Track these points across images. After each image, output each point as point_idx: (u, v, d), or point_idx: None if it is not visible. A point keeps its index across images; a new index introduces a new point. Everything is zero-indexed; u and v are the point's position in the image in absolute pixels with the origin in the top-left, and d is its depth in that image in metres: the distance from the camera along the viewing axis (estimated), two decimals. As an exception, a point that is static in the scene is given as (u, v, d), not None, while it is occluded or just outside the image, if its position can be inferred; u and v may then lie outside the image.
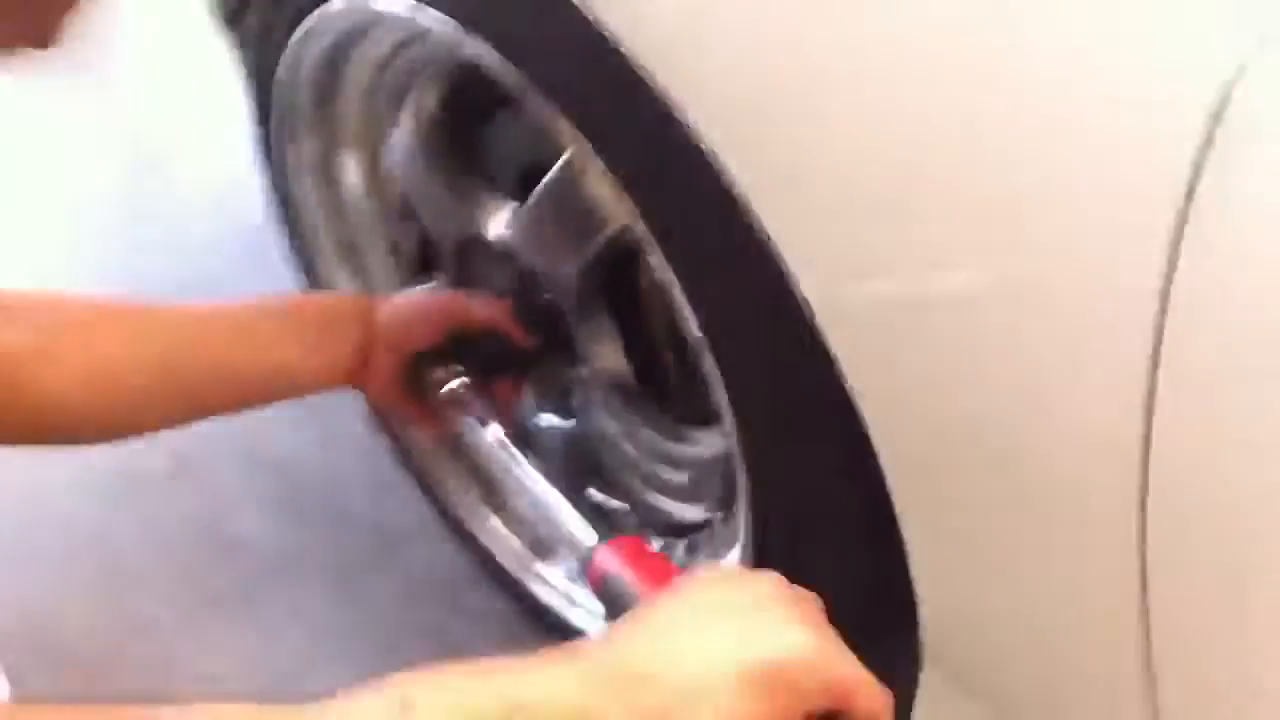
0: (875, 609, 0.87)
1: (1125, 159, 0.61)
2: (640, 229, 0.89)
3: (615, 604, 0.85)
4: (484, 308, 1.10)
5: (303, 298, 1.27)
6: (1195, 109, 0.58)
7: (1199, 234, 0.58)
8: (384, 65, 1.17)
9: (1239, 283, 0.59)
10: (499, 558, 1.30)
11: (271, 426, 1.37)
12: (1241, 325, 0.59)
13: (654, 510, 1.14)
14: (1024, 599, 0.79)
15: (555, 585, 1.28)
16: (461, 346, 1.09)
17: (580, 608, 1.25)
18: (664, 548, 1.21)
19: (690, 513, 1.13)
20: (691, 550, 1.19)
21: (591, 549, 0.87)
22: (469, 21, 0.95)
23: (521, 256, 1.08)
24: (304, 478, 1.51)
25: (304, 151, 1.26)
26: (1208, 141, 0.57)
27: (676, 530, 1.14)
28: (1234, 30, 0.58)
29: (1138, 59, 0.60)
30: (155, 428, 1.02)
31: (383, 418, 1.32)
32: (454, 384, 1.08)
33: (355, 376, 1.07)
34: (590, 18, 0.81)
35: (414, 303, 1.11)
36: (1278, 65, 0.56)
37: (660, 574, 0.85)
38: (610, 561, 0.86)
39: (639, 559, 0.87)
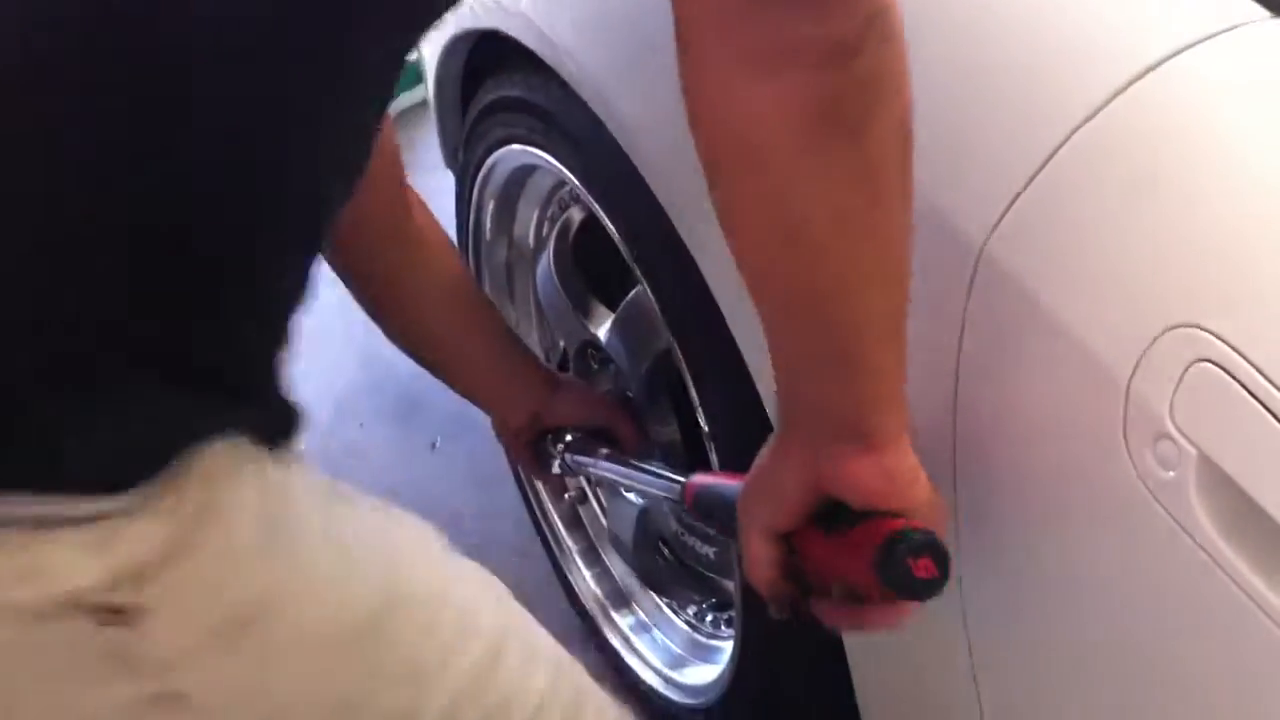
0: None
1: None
2: (676, 351, 1.20)
3: (713, 507, 1.00)
4: (626, 423, 1.37)
5: (523, 345, 1.43)
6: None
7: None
8: (545, 201, 1.52)
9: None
10: (583, 601, 1.61)
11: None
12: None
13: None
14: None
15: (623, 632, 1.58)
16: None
17: (636, 656, 1.54)
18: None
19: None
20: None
21: (685, 481, 1.07)
22: (585, 178, 1.28)
23: (613, 357, 1.41)
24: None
25: (492, 259, 1.62)
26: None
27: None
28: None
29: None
30: (398, 343, 1.27)
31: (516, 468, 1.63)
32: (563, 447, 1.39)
33: (511, 421, 1.35)
34: (653, 195, 1.13)
35: (582, 396, 1.38)
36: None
37: (738, 477, 0.93)
38: (699, 480, 1.05)
39: (718, 474, 1.07)
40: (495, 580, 0.84)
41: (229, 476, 0.66)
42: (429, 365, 1.30)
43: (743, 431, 1.11)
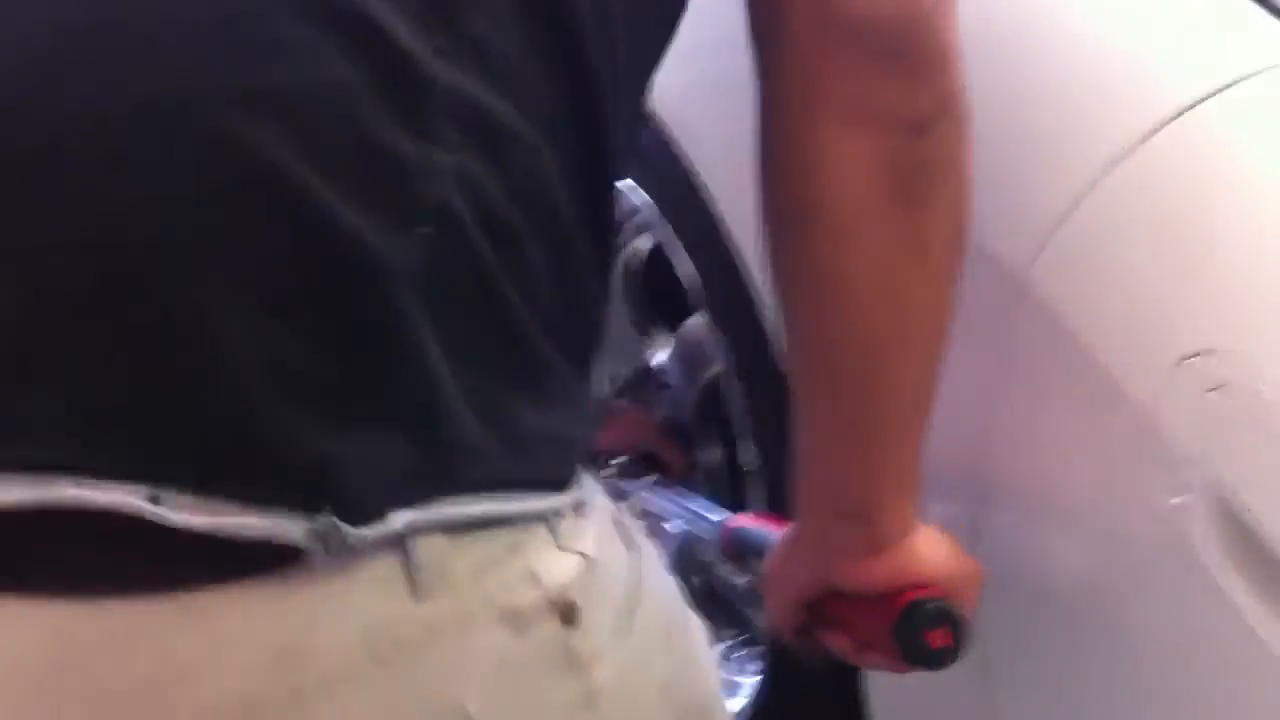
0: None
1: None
2: (727, 376, 1.25)
3: (745, 553, 1.03)
4: (674, 449, 1.39)
5: None
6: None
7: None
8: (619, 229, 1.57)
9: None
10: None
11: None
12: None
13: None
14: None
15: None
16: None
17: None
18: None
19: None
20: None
21: (721, 522, 1.10)
22: (660, 207, 1.33)
23: (669, 382, 1.45)
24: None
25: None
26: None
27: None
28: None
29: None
30: None
31: None
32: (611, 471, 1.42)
33: None
34: (718, 228, 1.17)
35: (633, 420, 1.41)
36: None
37: (777, 520, 0.96)
38: (735, 523, 1.07)
39: (758, 518, 1.08)
40: None
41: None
42: None
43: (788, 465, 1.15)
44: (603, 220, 0.67)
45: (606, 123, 0.66)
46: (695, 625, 0.74)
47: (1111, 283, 0.80)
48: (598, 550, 0.64)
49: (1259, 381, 0.70)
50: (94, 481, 0.51)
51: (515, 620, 0.59)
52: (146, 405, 0.52)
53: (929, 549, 0.82)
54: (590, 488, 0.67)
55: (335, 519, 0.53)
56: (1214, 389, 0.72)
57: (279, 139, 0.55)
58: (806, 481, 0.82)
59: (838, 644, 0.86)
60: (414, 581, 0.56)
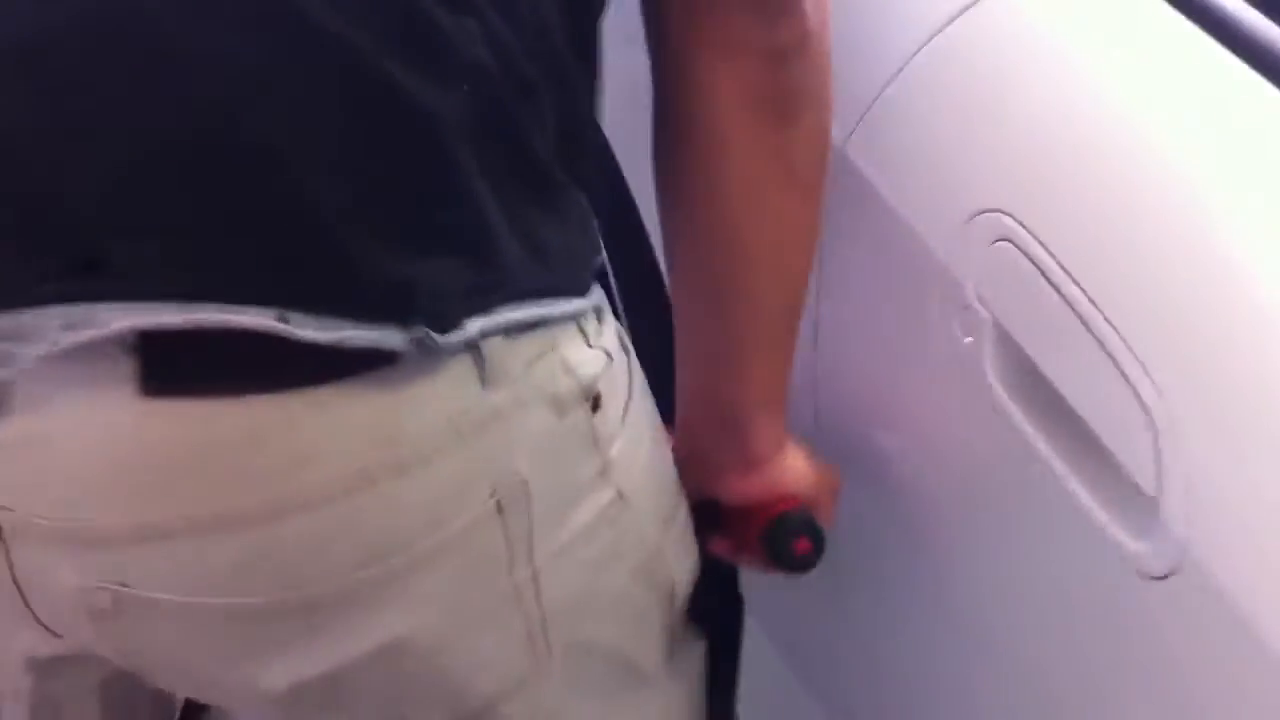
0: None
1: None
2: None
3: None
4: None
5: None
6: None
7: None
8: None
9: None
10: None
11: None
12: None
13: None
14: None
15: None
16: None
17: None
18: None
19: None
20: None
21: None
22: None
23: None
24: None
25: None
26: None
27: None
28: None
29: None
30: None
31: None
32: None
33: None
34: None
35: None
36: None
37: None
38: None
39: None
40: None
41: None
42: None
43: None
44: (592, 54, 0.78)
45: None
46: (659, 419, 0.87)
47: (916, 153, 0.91)
48: (615, 349, 0.79)
49: (1034, 235, 0.82)
50: (234, 306, 0.63)
51: (556, 404, 0.73)
52: (268, 245, 0.65)
53: (795, 464, 0.93)
54: (601, 296, 0.79)
55: (427, 329, 0.65)
56: (998, 241, 0.84)
57: (346, 21, 0.65)
58: (685, 395, 0.90)
59: (717, 547, 0.95)
60: (482, 375, 0.69)
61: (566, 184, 0.76)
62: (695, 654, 0.92)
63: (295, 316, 0.63)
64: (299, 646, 0.71)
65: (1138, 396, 0.74)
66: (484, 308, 0.69)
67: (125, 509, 0.66)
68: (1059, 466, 0.81)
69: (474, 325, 0.68)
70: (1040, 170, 0.84)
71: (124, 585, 0.69)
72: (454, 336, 0.67)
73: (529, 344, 0.72)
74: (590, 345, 0.76)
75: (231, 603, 0.70)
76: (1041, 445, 0.83)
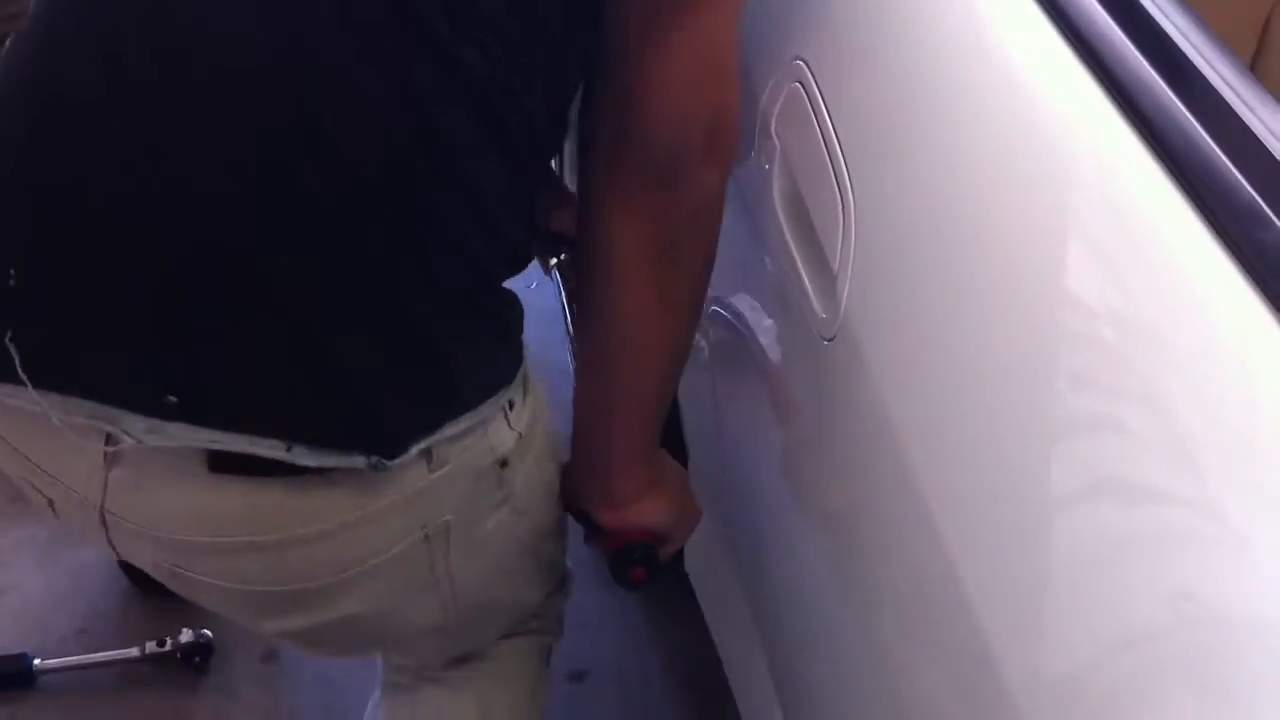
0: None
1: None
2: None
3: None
4: None
5: None
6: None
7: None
8: None
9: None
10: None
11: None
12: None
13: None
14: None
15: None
16: None
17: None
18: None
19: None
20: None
21: None
22: None
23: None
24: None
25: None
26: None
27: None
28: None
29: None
30: None
31: None
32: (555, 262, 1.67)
33: None
34: None
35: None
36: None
37: None
38: None
39: None
40: None
41: (527, 359, 1.06)
42: None
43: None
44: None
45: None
46: (556, 440, 1.14)
47: (757, 17, 1.13)
48: (528, 423, 1.05)
49: (819, 81, 1.03)
50: (260, 439, 0.91)
51: (478, 473, 1.01)
52: (290, 402, 0.92)
53: (654, 511, 1.14)
54: (522, 373, 1.05)
55: (380, 457, 0.93)
56: (794, 82, 1.05)
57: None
58: (576, 430, 1.12)
59: (587, 540, 1.20)
60: (430, 466, 0.97)
61: (512, 302, 1.02)
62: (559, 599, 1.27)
63: (297, 449, 0.91)
64: (288, 613, 1.05)
65: (842, 207, 0.95)
66: (432, 429, 0.96)
67: (197, 532, 0.98)
68: (798, 258, 1.03)
69: (418, 445, 0.95)
70: (836, 30, 1.05)
71: (184, 569, 1.03)
72: (400, 460, 0.94)
73: (466, 438, 0.99)
74: (510, 426, 1.02)
75: (248, 588, 1.02)
76: (790, 242, 1.05)
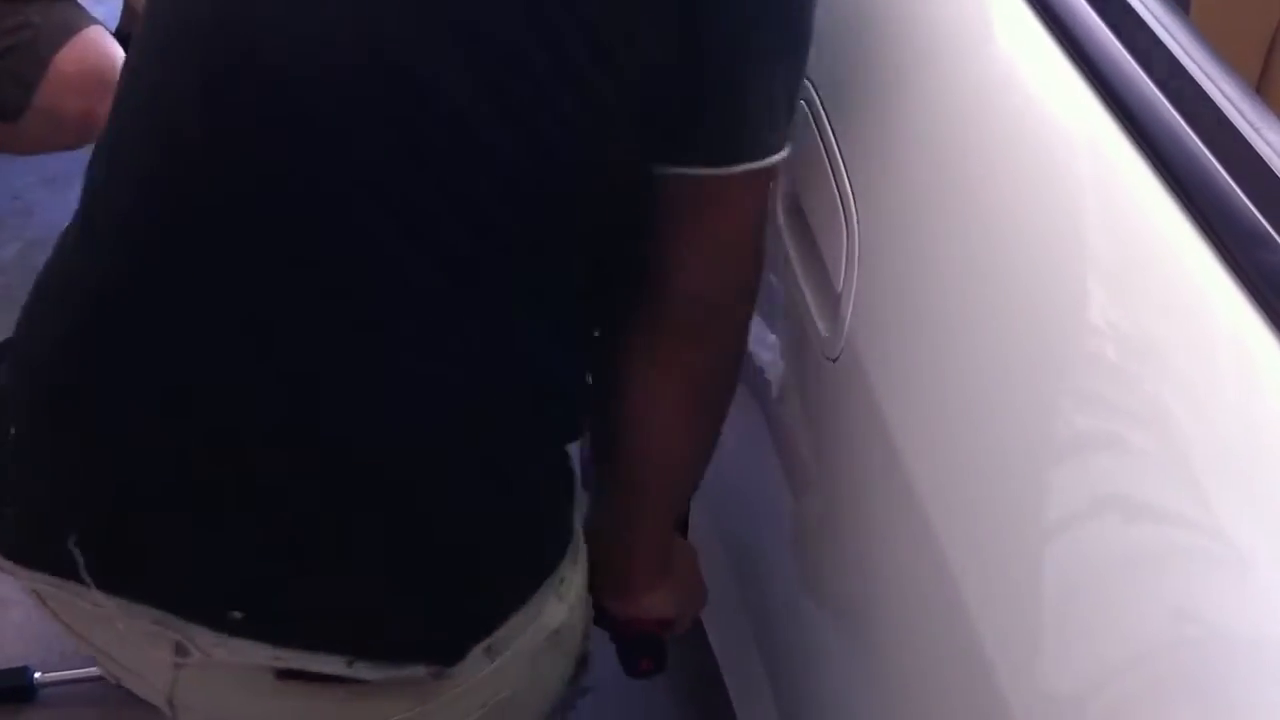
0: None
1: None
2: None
3: None
4: None
5: None
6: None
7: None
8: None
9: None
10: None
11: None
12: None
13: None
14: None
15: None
16: None
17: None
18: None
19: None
20: None
21: None
22: None
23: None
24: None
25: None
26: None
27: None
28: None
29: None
30: None
31: None
32: None
33: None
34: None
35: None
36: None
37: None
38: None
39: None
40: None
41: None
42: None
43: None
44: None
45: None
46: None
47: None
48: (578, 591, 1.03)
49: (822, 98, 1.03)
50: (320, 655, 0.91)
51: (534, 651, 0.99)
52: (349, 620, 0.92)
53: (665, 597, 1.14)
54: (572, 548, 1.02)
55: (441, 665, 0.92)
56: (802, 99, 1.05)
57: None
58: (590, 525, 1.10)
59: (599, 625, 1.18)
60: (490, 658, 0.95)
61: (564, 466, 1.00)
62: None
63: (359, 665, 0.91)
64: None
65: (846, 228, 0.96)
66: (490, 630, 0.95)
67: None
68: (801, 277, 1.03)
69: (478, 649, 0.94)
70: (842, 51, 1.05)
71: None
72: (459, 667, 0.93)
73: (521, 625, 0.97)
74: (560, 599, 1.00)
75: None
76: (794, 261, 1.05)
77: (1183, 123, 0.73)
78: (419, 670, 0.92)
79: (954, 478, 0.81)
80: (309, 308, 0.88)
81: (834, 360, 0.96)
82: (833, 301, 0.97)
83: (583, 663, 1.17)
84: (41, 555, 0.93)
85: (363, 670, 0.90)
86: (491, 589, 0.95)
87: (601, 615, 1.15)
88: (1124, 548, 0.68)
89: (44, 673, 1.78)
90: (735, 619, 1.35)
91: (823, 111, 1.02)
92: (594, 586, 1.11)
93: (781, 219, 1.08)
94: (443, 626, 0.93)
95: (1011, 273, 0.80)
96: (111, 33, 1.96)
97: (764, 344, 1.15)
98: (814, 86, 1.04)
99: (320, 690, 0.93)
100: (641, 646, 1.18)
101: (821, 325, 0.98)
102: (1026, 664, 0.72)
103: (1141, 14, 0.80)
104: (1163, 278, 0.71)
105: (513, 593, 0.96)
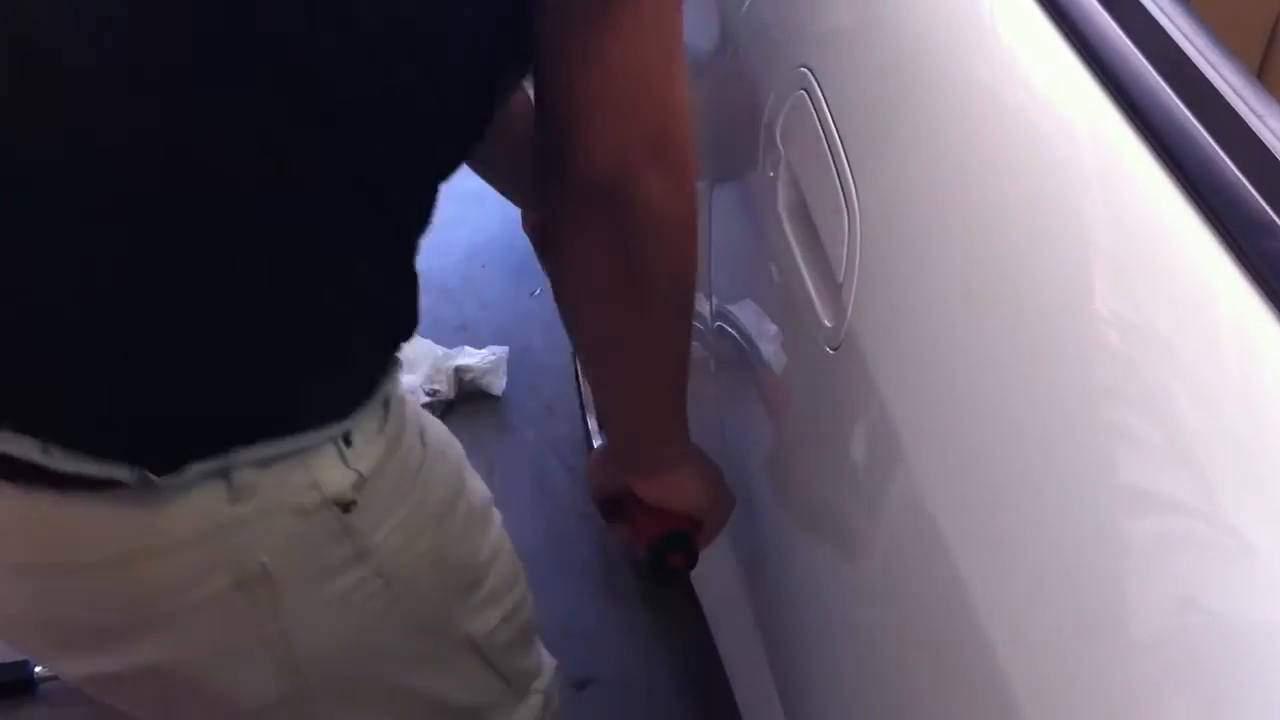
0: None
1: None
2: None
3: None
4: None
5: None
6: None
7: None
8: None
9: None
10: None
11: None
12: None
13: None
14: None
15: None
16: None
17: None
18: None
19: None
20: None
21: None
22: None
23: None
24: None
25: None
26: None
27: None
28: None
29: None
30: None
31: None
32: None
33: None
34: None
35: None
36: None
37: None
38: None
39: None
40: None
41: (399, 405, 0.96)
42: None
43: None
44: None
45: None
46: (472, 504, 1.05)
47: (762, 24, 1.13)
48: (376, 466, 0.92)
49: (824, 89, 1.03)
50: (11, 434, 0.82)
51: (300, 512, 0.88)
52: (37, 394, 0.83)
53: (691, 487, 1.12)
54: (370, 415, 0.92)
55: (145, 470, 0.82)
56: (801, 90, 1.05)
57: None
58: (598, 412, 1.10)
59: (619, 534, 1.18)
60: (231, 496, 0.86)
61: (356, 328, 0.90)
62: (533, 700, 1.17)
63: (54, 450, 0.82)
64: (81, 654, 0.94)
65: (848, 218, 0.95)
66: (221, 447, 0.84)
67: None
68: (803, 267, 1.03)
69: (201, 465, 0.84)
70: (838, 41, 1.05)
71: None
72: (170, 479, 0.83)
73: (279, 469, 0.87)
74: (347, 464, 0.90)
75: (31, 618, 0.93)
76: (795, 251, 1.05)
77: (1185, 110, 0.73)
78: (122, 471, 0.82)
79: (956, 467, 0.81)
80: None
81: (835, 349, 0.96)
82: (834, 291, 0.96)
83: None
84: None
85: (57, 458, 0.81)
86: (225, 397, 0.84)
87: (628, 515, 1.14)
88: (1127, 536, 0.68)
89: (43, 667, 1.78)
90: (739, 612, 1.35)
91: (824, 100, 1.01)
92: (615, 477, 1.10)
93: (783, 209, 1.08)
94: (155, 421, 0.83)
95: (1014, 262, 0.80)
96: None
97: (765, 335, 1.15)
98: (815, 76, 1.03)
99: (26, 496, 0.83)
100: (669, 543, 1.14)
101: (824, 314, 0.98)
102: (1031, 654, 0.72)
103: (1143, 1, 0.79)
104: (1166, 266, 0.71)
105: (255, 418, 0.85)
